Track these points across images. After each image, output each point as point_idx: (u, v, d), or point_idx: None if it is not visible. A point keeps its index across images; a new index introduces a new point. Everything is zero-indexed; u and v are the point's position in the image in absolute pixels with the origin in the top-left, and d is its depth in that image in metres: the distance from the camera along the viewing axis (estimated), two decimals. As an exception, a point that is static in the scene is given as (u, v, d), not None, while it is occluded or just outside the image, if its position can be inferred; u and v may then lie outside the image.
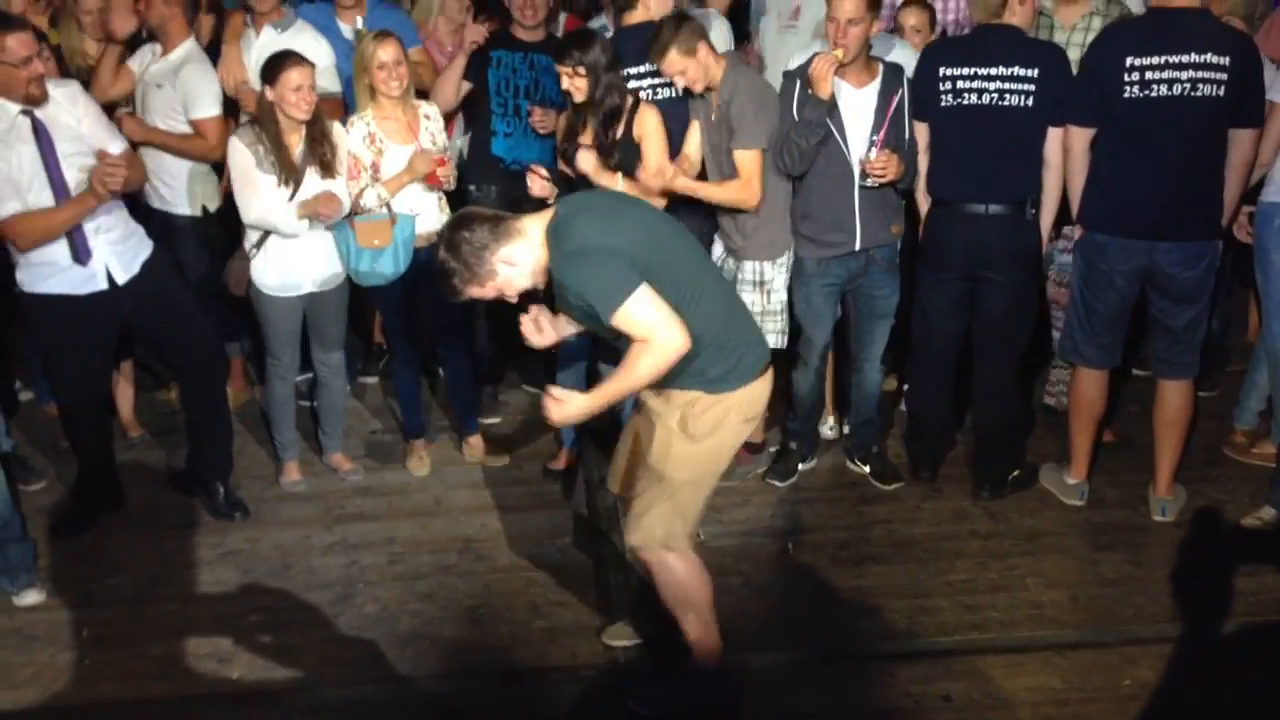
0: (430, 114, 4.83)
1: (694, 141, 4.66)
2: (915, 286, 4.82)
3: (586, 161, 4.48)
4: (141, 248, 4.51)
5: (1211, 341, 5.14)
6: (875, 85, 4.50)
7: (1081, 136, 4.43)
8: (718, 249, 4.79)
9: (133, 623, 4.21)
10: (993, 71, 4.39)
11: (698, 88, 4.51)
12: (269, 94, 4.49)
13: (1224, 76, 4.19)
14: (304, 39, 5.22)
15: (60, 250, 4.29)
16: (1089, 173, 4.45)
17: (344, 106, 5.24)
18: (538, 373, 5.59)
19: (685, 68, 4.43)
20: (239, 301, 4.85)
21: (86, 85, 4.70)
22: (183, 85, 4.99)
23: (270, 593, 4.37)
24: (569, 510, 4.87)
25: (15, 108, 4.16)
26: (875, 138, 4.46)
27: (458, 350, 5.15)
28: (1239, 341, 5.94)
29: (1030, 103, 4.40)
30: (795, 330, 4.81)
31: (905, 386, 5.25)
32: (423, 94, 5.08)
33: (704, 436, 3.42)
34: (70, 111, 4.28)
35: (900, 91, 4.50)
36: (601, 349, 4.54)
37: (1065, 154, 4.47)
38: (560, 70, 4.49)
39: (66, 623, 4.21)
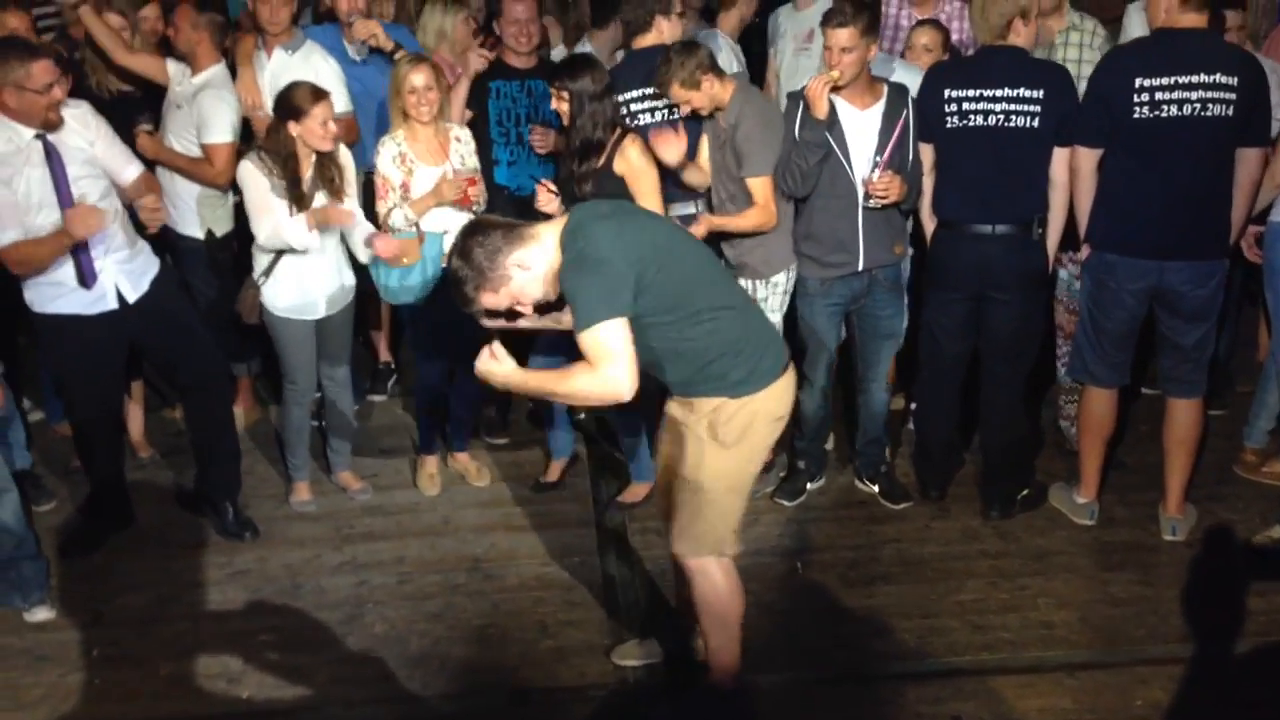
0: (461, 136, 4.86)
1: (705, 154, 4.69)
2: (921, 307, 4.83)
3: (548, 204, 4.46)
4: (149, 265, 4.53)
5: (1220, 360, 5.13)
6: (879, 106, 4.52)
7: (1089, 157, 4.43)
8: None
9: (142, 642, 4.22)
10: (998, 93, 4.41)
11: (704, 113, 4.57)
12: (292, 128, 4.50)
13: (1232, 96, 4.21)
14: (314, 60, 5.27)
15: (68, 272, 4.32)
16: (1097, 192, 4.45)
17: (357, 127, 5.29)
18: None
19: (690, 98, 4.48)
20: (249, 325, 4.86)
21: (97, 104, 4.70)
22: (198, 109, 5.03)
23: (280, 612, 4.37)
24: (578, 529, 4.87)
25: (30, 132, 4.19)
26: (879, 159, 4.47)
27: (466, 369, 5.14)
28: (1249, 360, 5.92)
29: (1036, 124, 4.41)
30: (800, 350, 4.81)
31: (913, 405, 5.24)
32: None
33: (735, 442, 3.42)
34: (81, 134, 4.31)
35: (905, 112, 4.52)
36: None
37: (1072, 174, 4.48)
38: (552, 91, 4.53)
39: (76, 642, 4.22)
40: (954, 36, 5.69)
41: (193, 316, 4.74)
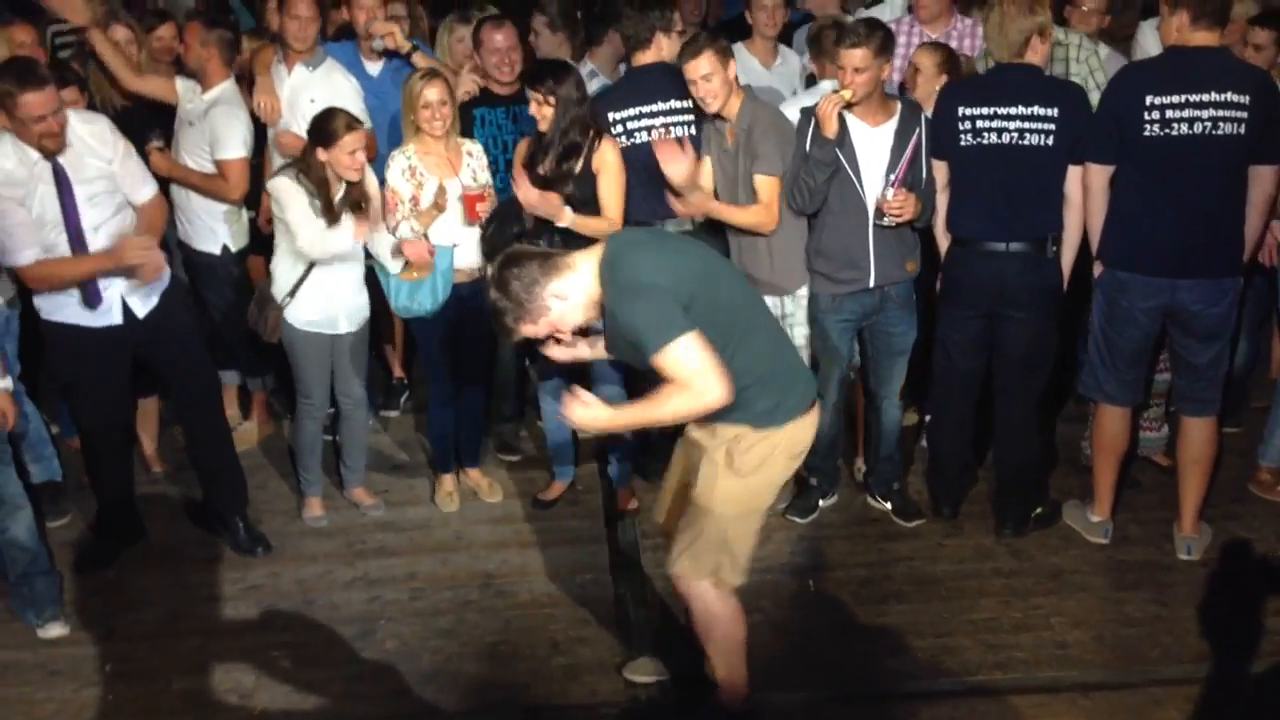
0: (473, 151, 4.88)
1: (706, 175, 4.69)
2: (935, 323, 4.82)
3: (528, 194, 4.50)
4: (161, 280, 4.52)
5: (1236, 377, 5.11)
6: (892, 124, 4.52)
7: (1101, 174, 4.43)
8: None
9: (155, 657, 4.23)
10: (1012, 111, 4.41)
11: (714, 105, 4.53)
12: (321, 154, 4.54)
13: (1244, 114, 4.20)
14: (335, 77, 5.31)
15: (74, 288, 4.36)
16: (1109, 210, 4.45)
17: (374, 144, 5.31)
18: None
19: (713, 72, 4.45)
20: (262, 341, 4.88)
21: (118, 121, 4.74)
22: (211, 125, 5.06)
23: (292, 628, 4.38)
24: (590, 546, 4.86)
25: (35, 154, 4.22)
26: (893, 176, 4.47)
27: (476, 386, 5.16)
28: (1263, 377, 5.90)
29: (1051, 141, 4.40)
30: (812, 366, 4.81)
31: (927, 418, 5.22)
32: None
33: (750, 472, 3.42)
34: (98, 152, 4.31)
35: (918, 130, 4.52)
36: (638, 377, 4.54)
37: (1085, 192, 4.48)
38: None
39: (89, 657, 4.23)
40: (965, 54, 5.69)
41: (194, 332, 4.76)
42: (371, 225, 4.69)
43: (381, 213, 4.75)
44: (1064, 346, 4.86)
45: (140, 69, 5.27)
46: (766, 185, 4.55)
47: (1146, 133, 4.27)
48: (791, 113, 4.74)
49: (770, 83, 5.60)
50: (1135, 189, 4.37)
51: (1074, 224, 4.55)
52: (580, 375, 4.67)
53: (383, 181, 4.83)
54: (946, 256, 4.71)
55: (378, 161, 5.29)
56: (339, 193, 4.63)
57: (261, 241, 5.27)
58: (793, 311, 4.73)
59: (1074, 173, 4.48)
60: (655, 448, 5.06)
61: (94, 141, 4.30)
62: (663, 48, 4.90)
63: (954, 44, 5.73)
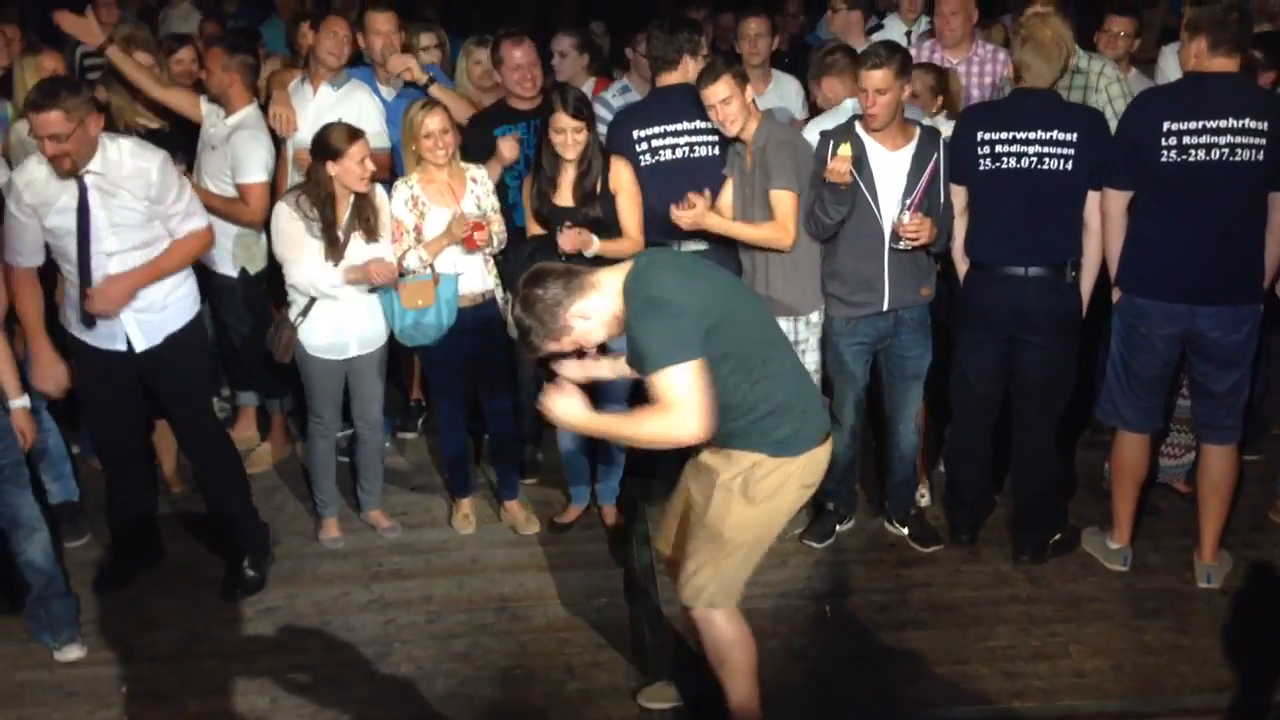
0: (478, 177, 4.90)
1: (727, 196, 4.71)
2: (953, 348, 4.81)
3: (566, 242, 4.52)
4: (171, 321, 4.48)
5: (1254, 404, 5.07)
6: (910, 148, 4.53)
7: (1118, 200, 4.42)
8: None
9: (171, 679, 4.24)
10: (1031, 135, 4.41)
11: (732, 128, 4.56)
12: (330, 168, 4.57)
13: (1262, 141, 4.18)
14: (358, 96, 5.35)
15: (74, 308, 4.41)
16: (1128, 236, 4.44)
17: (392, 164, 5.35)
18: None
19: (731, 96, 4.49)
20: (281, 363, 4.90)
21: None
22: (233, 150, 5.10)
23: (307, 650, 4.39)
24: (606, 570, 4.85)
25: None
26: (909, 201, 4.47)
27: (504, 411, 5.15)
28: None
29: (1070, 166, 4.40)
30: (828, 390, 4.81)
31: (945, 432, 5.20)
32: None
33: (763, 500, 3.42)
34: (134, 187, 4.26)
35: (936, 155, 4.52)
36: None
37: (1103, 217, 4.47)
38: (568, 124, 4.55)
39: (106, 679, 4.24)
40: (987, 79, 5.71)
41: (197, 386, 4.69)
42: (381, 238, 4.72)
43: (393, 234, 4.78)
44: (1083, 372, 4.84)
45: (161, 78, 5.31)
46: (782, 201, 4.56)
47: (1164, 159, 4.26)
48: (811, 135, 4.76)
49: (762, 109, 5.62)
50: (1153, 215, 4.36)
51: (1093, 249, 4.54)
52: (589, 393, 4.67)
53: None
54: (965, 281, 4.70)
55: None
56: (347, 209, 4.65)
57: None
58: (806, 337, 4.72)
59: (1093, 198, 4.47)
60: (659, 470, 5.06)
61: (135, 175, 4.26)
62: (689, 70, 4.94)
63: (975, 69, 5.75)
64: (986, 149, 4.46)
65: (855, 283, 4.60)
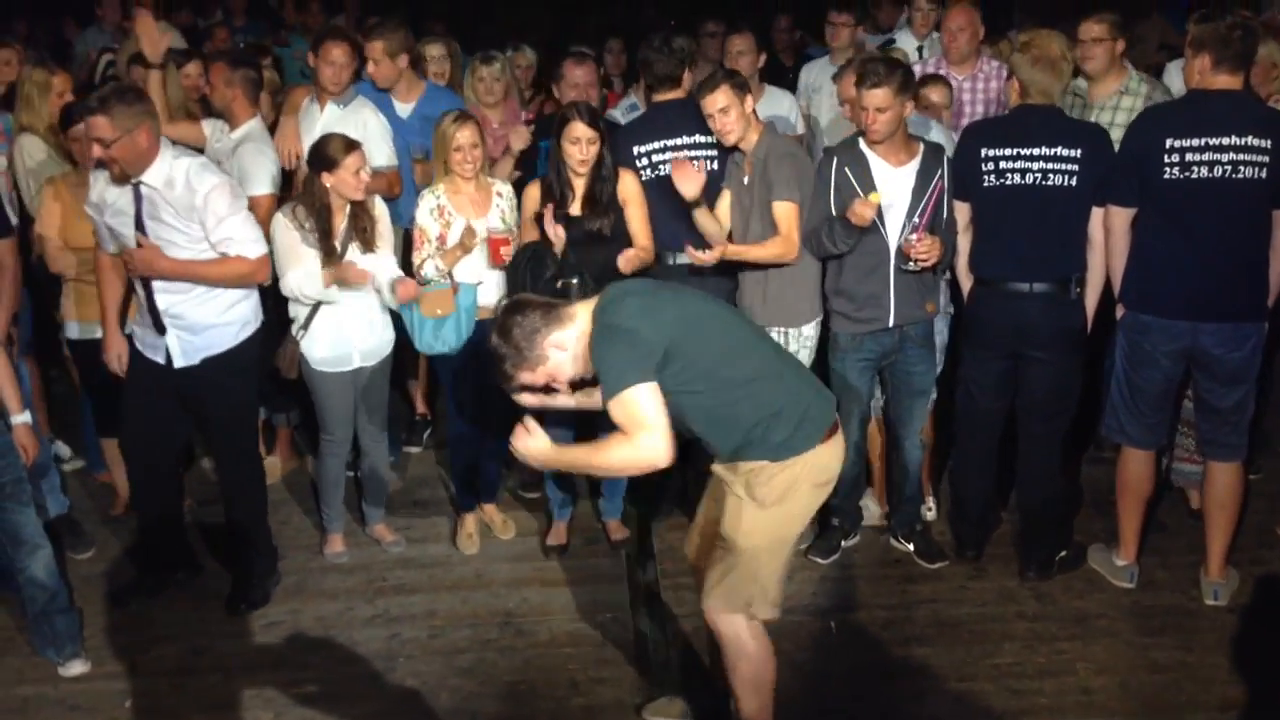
0: (503, 192, 4.93)
1: (724, 207, 4.73)
2: (958, 364, 4.81)
3: (629, 262, 4.59)
4: (214, 345, 4.46)
5: (1259, 422, 5.06)
6: (914, 164, 4.53)
7: (1122, 216, 4.42)
8: None
9: (175, 694, 4.23)
10: (1035, 152, 4.41)
11: (730, 138, 4.59)
12: (326, 178, 4.60)
13: (1265, 159, 4.18)
14: (364, 114, 5.39)
15: (142, 307, 4.47)
16: (1131, 252, 4.44)
17: (400, 181, 5.36)
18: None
19: (730, 105, 4.52)
20: (288, 378, 4.91)
21: None
22: (238, 162, 5.13)
23: (312, 665, 4.38)
24: (610, 585, 4.85)
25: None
26: (917, 220, 4.47)
27: (495, 422, 5.14)
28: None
29: (1074, 182, 4.40)
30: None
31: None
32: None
33: (773, 503, 3.42)
34: (180, 204, 4.25)
35: (940, 171, 4.52)
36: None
37: (1106, 234, 4.47)
38: (584, 133, 4.57)
39: (110, 693, 4.24)
40: (991, 95, 5.71)
41: (237, 411, 4.65)
42: (379, 249, 4.75)
43: (411, 245, 4.81)
44: (1088, 387, 4.83)
45: (171, 113, 5.34)
46: (784, 212, 4.56)
47: (1166, 175, 4.26)
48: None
49: None
50: (1156, 232, 4.36)
51: (1097, 265, 4.54)
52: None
53: (411, 219, 4.89)
54: (969, 297, 4.70)
55: (404, 200, 5.35)
56: (342, 220, 4.68)
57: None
58: (796, 350, 4.70)
59: (1097, 214, 4.48)
60: (663, 488, 5.06)
61: (184, 196, 4.26)
62: (685, 84, 4.97)
63: (980, 85, 5.76)
64: (990, 165, 4.47)
65: (861, 299, 4.60)
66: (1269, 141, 4.18)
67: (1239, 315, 4.34)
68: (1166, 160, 4.25)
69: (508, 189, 4.97)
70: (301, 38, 7.97)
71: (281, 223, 4.69)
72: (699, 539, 3.80)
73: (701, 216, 4.65)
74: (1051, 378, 4.58)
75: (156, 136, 4.26)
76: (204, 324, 4.43)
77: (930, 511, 5.23)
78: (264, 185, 5.14)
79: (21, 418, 4.23)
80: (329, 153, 4.62)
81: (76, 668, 4.32)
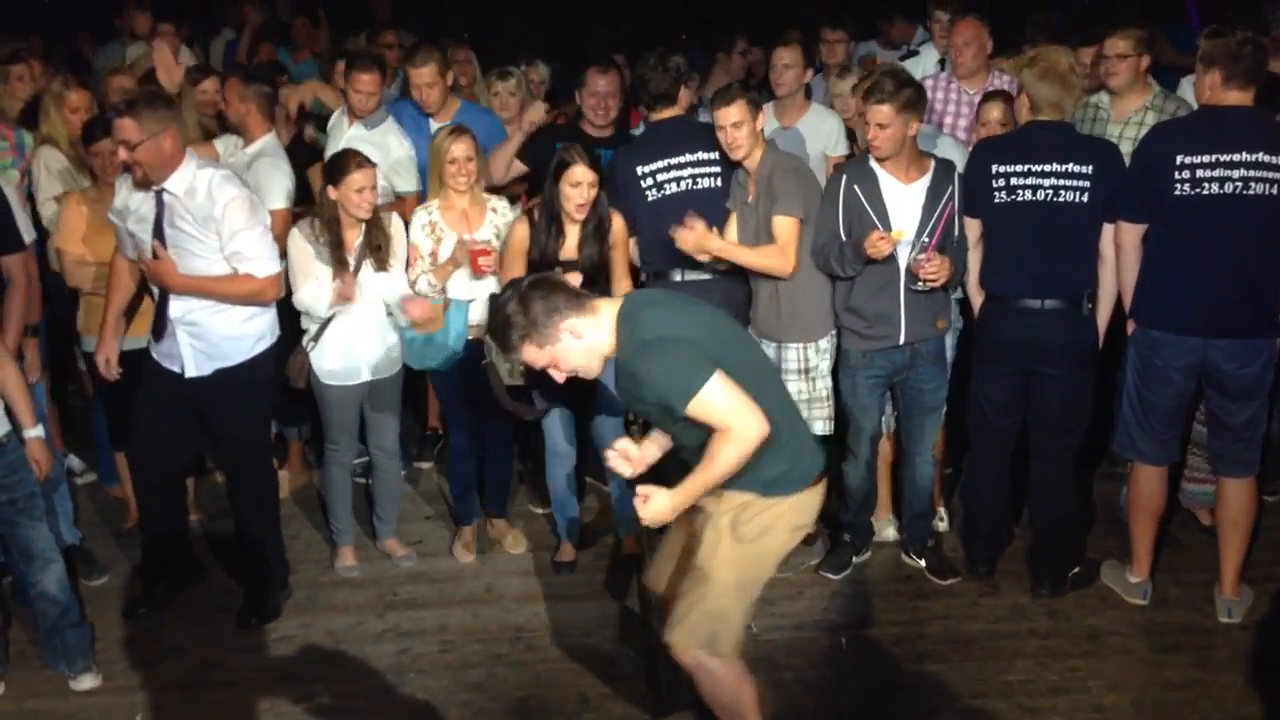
0: (498, 207, 4.95)
1: (732, 231, 4.74)
2: (969, 381, 4.80)
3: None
4: (231, 355, 4.48)
5: (1273, 440, 5.03)
6: (925, 181, 4.52)
7: (1133, 232, 4.42)
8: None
9: (185, 707, 4.24)
10: (1046, 168, 4.41)
11: (738, 153, 4.60)
12: (332, 192, 4.64)
13: (1277, 175, 4.17)
14: (389, 138, 5.48)
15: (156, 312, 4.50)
16: (1141, 268, 4.43)
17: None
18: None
19: (743, 120, 4.53)
20: (298, 390, 4.92)
21: None
22: (254, 177, 5.15)
23: (321, 680, 4.38)
24: (620, 601, 4.84)
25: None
26: (927, 240, 4.45)
27: (503, 439, 5.17)
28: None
29: (1085, 199, 4.40)
30: (844, 422, 4.79)
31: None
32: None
33: (751, 539, 3.40)
34: (198, 213, 4.29)
35: (951, 189, 4.51)
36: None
37: (1117, 249, 4.46)
38: (585, 176, 4.52)
39: (120, 707, 4.25)
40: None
41: (249, 424, 4.65)
42: (391, 267, 4.78)
43: (406, 263, 4.84)
44: (1100, 403, 4.82)
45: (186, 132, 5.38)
46: (784, 227, 4.56)
47: (1177, 191, 4.25)
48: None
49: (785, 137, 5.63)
50: (1167, 247, 4.35)
51: (1108, 281, 4.53)
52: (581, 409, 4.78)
53: None
54: (980, 313, 4.69)
55: None
56: (357, 236, 4.70)
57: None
58: (817, 364, 4.72)
59: (1108, 230, 4.47)
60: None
61: (204, 205, 4.29)
62: (682, 101, 5.00)
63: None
64: (1001, 181, 4.46)
65: (872, 316, 4.59)
66: None
67: (1250, 331, 4.33)
68: (1177, 176, 4.24)
69: (503, 203, 5.00)
70: (312, 61, 8.01)
71: (296, 236, 4.73)
72: (668, 568, 3.76)
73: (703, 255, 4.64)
74: (1064, 394, 4.57)
75: (181, 144, 4.32)
76: (219, 334, 4.45)
77: (942, 522, 5.21)
78: (278, 200, 5.17)
79: (34, 432, 4.25)
80: (337, 167, 4.67)
81: (88, 681, 4.33)
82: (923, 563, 4.97)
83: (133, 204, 4.39)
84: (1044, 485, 4.75)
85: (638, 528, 5.09)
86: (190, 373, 4.48)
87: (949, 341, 4.87)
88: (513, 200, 5.56)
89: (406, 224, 4.92)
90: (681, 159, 4.85)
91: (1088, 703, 4.15)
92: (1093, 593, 4.78)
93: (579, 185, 4.53)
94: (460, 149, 4.76)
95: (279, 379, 5.00)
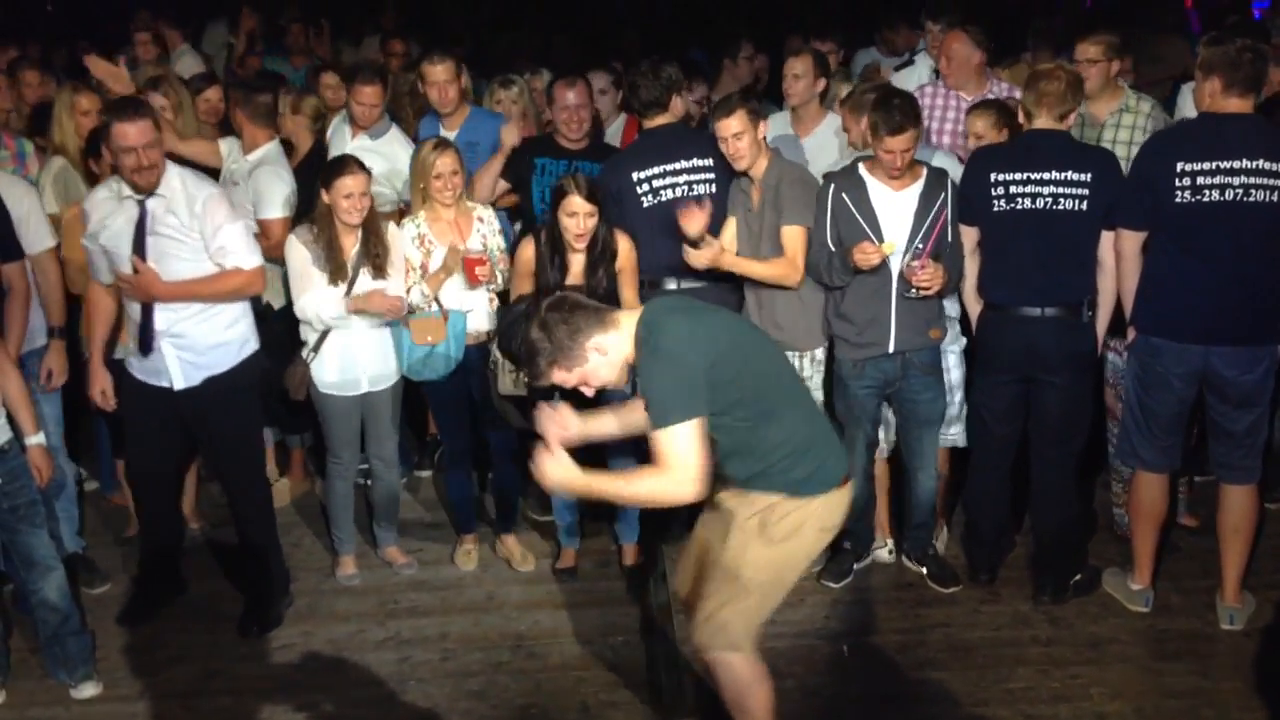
0: (484, 216, 4.96)
1: (729, 234, 4.73)
2: (970, 389, 4.80)
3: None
4: (219, 362, 4.51)
5: (1275, 447, 5.03)
6: (917, 187, 4.52)
7: (1133, 240, 4.42)
8: None
9: (187, 717, 4.25)
10: (1045, 176, 4.41)
11: (741, 163, 4.60)
12: (325, 196, 4.65)
13: (1277, 182, 4.18)
14: (393, 148, 5.51)
15: (134, 330, 4.46)
16: (1142, 276, 4.43)
17: None
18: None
19: (744, 130, 4.53)
20: (299, 399, 4.93)
21: None
22: (254, 185, 5.17)
23: (323, 688, 4.38)
24: (622, 608, 4.84)
25: (128, 191, 4.33)
26: (920, 246, 4.45)
27: (505, 447, 5.16)
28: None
29: (1085, 206, 4.40)
30: (838, 431, 4.77)
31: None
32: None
33: (781, 540, 3.41)
34: (181, 214, 4.32)
35: (944, 197, 4.50)
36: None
37: (1117, 257, 4.47)
38: (581, 207, 4.52)
39: (121, 715, 4.25)
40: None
41: (241, 430, 4.68)
42: (390, 276, 4.77)
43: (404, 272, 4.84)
44: (1100, 410, 4.81)
45: (182, 132, 5.39)
46: (793, 236, 4.57)
47: (1178, 199, 4.26)
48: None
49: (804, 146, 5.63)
50: (1168, 255, 4.35)
51: (1107, 288, 4.54)
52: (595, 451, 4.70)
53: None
54: (980, 322, 4.69)
55: None
56: (354, 244, 4.71)
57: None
58: (810, 374, 4.72)
59: (1107, 237, 4.47)
60: (676, 512, 5.03)
61: (184, 204, 4.34)
62: (677, 108, 5.00)
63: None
64: (1000, 190, 4.47)
65: (862, 324, 4.57)
66: None
67: (1252, 338, 4.33)
68: (1178, 184, 4.25)
69: (489, 212, 5.00)
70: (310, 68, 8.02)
71: (294, 242, 4.73)
72: (691, 571, 3.76)
73: (705, 247, 4.58)
74: (1064, 401, 4.57)
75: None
76: (206, 343, 4.47)
77: (944, 529, 5.19)
78: (278, 209, 5.18)
79: (36, 439, 4.25)
80: (329, 171, 4.69)
81: (89, 690, 4.32)
82: (924, 570, 4.96)
83: (108, 220, 4.36)
84: (1045, 493, 4.75)
85: (638, 535, 5.12)
86: (180, 385, 4.48)
87: (954, 360, 4.85)
88: (512, 215, 5.58)
89: None
90: (677, 165, 4.85)
91: (1090, 710, 4.14)
92: (1094, 600, 4.77)
93: (575, 215, 4.53)
94: (446, 163, 4.78)
95: (279, 389, 5.01)
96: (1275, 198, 4.19)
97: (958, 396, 4.89)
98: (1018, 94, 5.63)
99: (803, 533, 3.43)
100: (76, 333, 5.24)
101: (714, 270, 4.70)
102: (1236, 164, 4.19)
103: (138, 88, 5.40)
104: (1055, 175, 4.40)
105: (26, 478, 4.18)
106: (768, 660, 3.98)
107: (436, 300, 4.80)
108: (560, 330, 3.26)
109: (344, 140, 5.56)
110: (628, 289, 4.73)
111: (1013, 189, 4.45)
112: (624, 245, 4.71)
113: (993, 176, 4.48)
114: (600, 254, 4.64)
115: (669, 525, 5.24)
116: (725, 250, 4.60)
